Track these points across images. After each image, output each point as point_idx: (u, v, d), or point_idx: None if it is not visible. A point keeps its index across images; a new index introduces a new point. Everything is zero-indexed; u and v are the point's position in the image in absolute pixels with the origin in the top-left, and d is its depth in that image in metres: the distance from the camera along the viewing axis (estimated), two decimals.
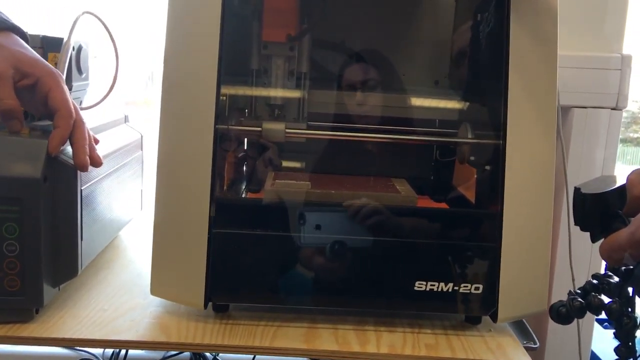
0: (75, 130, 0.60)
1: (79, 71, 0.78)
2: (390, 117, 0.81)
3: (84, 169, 0.60)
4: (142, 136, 0.90)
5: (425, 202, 0.76)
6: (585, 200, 0.49)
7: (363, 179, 0.78)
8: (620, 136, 1.18)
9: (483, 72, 0.75)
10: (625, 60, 1.11)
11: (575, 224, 0.52)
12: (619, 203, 0.48)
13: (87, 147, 0.61)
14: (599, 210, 0.49)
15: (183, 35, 0.64)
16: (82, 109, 0.79)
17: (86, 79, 0.80)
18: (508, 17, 0.66)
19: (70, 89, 0.75)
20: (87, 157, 0.61)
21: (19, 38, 0.63)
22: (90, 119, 0.72)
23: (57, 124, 0.60)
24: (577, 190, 0.51)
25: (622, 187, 0.48)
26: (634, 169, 0.49)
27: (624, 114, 1.15)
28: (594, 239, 0.50)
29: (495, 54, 0.67)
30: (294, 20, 0.74)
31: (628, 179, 0.48)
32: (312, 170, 0.81)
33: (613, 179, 0.51)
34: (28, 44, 0.64)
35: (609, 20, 1.11)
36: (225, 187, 0.74)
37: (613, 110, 1.14)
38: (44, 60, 0.62)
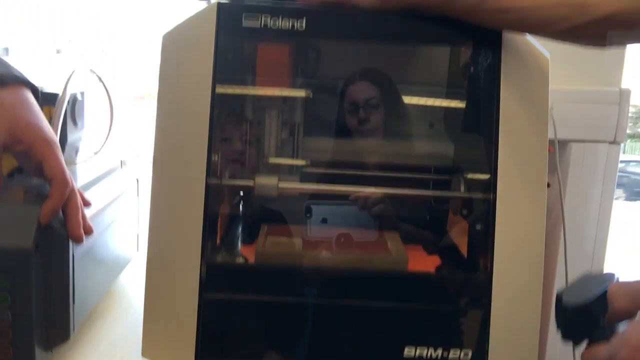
0: (68, 201, 0.61)
1: (74, 123, 0.78)
2: (384, 163, 0.82)
3: (79, 241, 0.61)
4: (138, 180, 0.91)
5: (417, 255, 0.76)
6: (566, 312, 0.49)
7: (355, 232, 0.78)
8: (629, 131, 1.18)
9: (474, 125, 0.75)
10: (624, 95, 1.11)
11: (558, 328, 0.52)
12: (601, 310, 0.48)
13: (80, 218, 0.61)
14: (580, 320, 0.49)
15: (176, 86, 0.65)
16: (75, 163, 0.79)
17: (81, 128, 0.81)
18: (499, 77, 0.66)
19: (65, 142, 0.76)
20: (82, 229, 0.61)
21: (26, 94, 0.63)
22: (86, 170, 0.72)
23: (51, 194, 0.60)
24: (558, 298, 0.51)
25: (604, 294, 0.48)
26: (615, 283, 0.49)
27: (632, 109, 1.14)
28: (576, 344, 0.51)
29: (486, 109, 0.67)
30: (287, 74, 0.75)
31: (609, 290, 0.48)
32: (306, 223, 0.81)
33: (598, 279, 0.51)
34: (39, 98, 0.65)
35: (608, 54, 1.11)
36: (218, 240, 0.75)
37: (611, 144, 1.14)
38: (42, 124, 0.62)
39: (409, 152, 0.84)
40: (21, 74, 0.65)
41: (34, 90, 0.65)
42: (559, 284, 1.13)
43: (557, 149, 1.07)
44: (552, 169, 1.10)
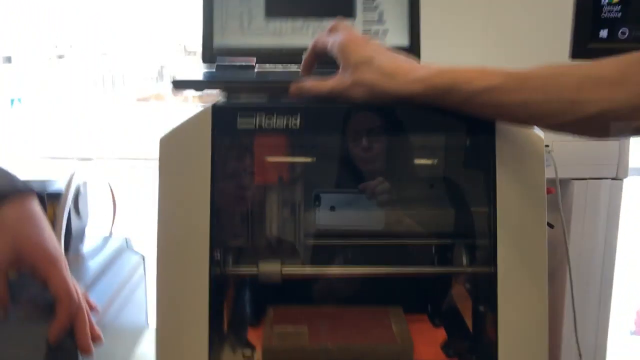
0: (76, 317, 0.62)
1: (78, 215, 0.79)
2: (387, 231, 0.82)
3: (88, 353, 0.62)
4: (144, 258, 0.92)
5: (423, 329, 0.77)
6: None
7: (359, 312, 0.78)
8: None
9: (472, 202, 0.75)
10: None
11: None
12: None
13: (88, 330, 0.63)
14: None
15: (175, 187, 0.66)
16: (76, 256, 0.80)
17: (86, 217, 0.82)
18: (494, 160, 0.66)
19: (70, 236, 0.77)
20: (90, 341, 0.62)
21: (30, 205, 0.64)
22: (91, 258, 0.73)
23: (57, 314, 0.61)
24: None
25: None
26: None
27: None
28: None
29: (483, 197, 0.68)
30: (285, 162, 0.75)
31: None
32: (311, 299, 0.81)
33: None
34: (44, 204, 0.66)
35: None
36: (225, 325, 0.76)
37: (613, 181, 1.14)
38: (46, 241, 0.63)
39: (411, 219, 0.85)
40: (24, 183, 0.66)
41: (39, 196, 0.66)
42: (567, 324, 1.14)
43: (559, 189, 1.08)
44: (555, 209, 1.10)
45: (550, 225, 1.07)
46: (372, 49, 0.65)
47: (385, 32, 0.88)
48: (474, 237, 0.74)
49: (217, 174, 0.67)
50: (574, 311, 1.09)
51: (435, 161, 0.75)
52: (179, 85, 0.70)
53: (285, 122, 0.66)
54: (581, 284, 1.13)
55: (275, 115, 0.66)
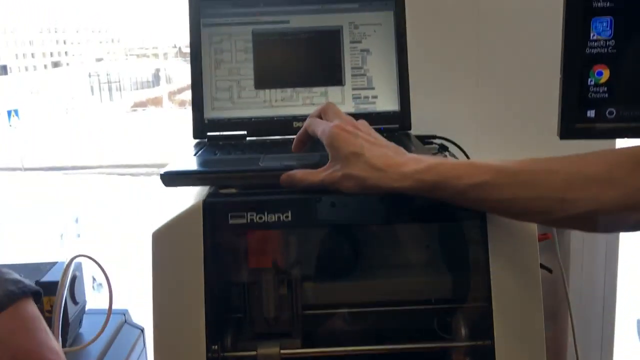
0: None
1: (74, 302, 0.79)
2: (385, 299, 0.82)
3: None
4: (143, 330, 0.92)
5: None
6: None
7: None
8: None
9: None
10: None
11: None
12: None
13: None
14: None
15: (169, 281, 0.67)
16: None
17: (83, 302, 0.82)
18: (486, 247, 0.67)
19: (67, 325, 0.77)
20: None
21: (25, 310, 0.64)
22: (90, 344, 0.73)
23: None
24: None
25: None
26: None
27: None
28: None
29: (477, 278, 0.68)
30: (279, 246, 0.75)
31: None
32: None
33: None
34: (41, 296, 0.66)
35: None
36: None
37: None
38: (42, 349, 0.63)
39: (408, 285, 0.84)
40: (18, 285, 0.66)
41: (37, 294, 0.66)
42: None
43: (555, 234, 1.08)
44: (553, 254, 1.10)
45: (548, 270, 1.07)
46: (362, 141, 0.65)
47: (374, 97, 0.88)
48: (471, 319, 0.75)
49: (209, 266, 0.67)
50: (576, 353, 1.10)
51: (429, 246, 0.74)
52: (169, 179, 0.69)
53: (276, 217, 0.66)
54: (583, 325, 1.13)
55: (266, 212, 0.66)
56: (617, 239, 1.13)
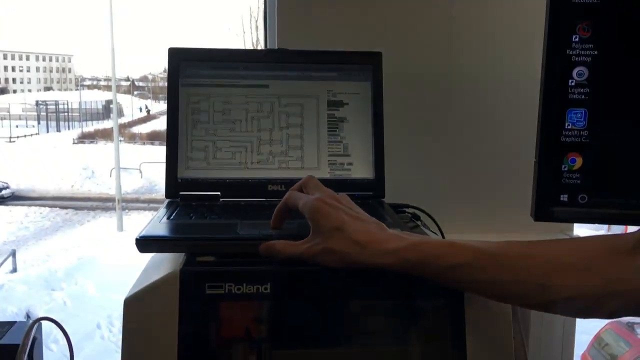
0: None
1: None
2: None
3: None
4: None
5: None
6: None
7: None
8: None
9: None
10: None
11: None
12: None
13: None
14: None
15: (140, 348, 0.65)
16: None
17: None
18: (463, 323, 0.67)
19: None
20: None
21: None
22: None
23: None
24: None
25: None
26: None
27: None
28: None
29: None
30: (252, 316, 0.74)
31: None
32: None
33: None
34: None
35: None
36: None
37: None
38: None
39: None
40: None
41: None
42: None
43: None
44: (515, 319, 1.13)
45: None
46: (344, 215, 0.65)
47: (350, 164, 0.90)
48: None
49: (183, 336, 0.65)
50: None
51: (406, 319, 0.74)
52: (144, 245, 0.68)
53: (255, 289, 0.65)
54: None
55: (244, 284, 0.65)
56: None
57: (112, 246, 10.36)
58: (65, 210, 13.78)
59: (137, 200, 14.96)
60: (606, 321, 4.52)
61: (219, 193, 0.87)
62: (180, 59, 0.88)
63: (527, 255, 0.60)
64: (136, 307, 0.66)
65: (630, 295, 0.56)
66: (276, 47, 1.06)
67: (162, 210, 0.81)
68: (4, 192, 14.36)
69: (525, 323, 1.12)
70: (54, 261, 9.41)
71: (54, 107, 28.37)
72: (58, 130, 26.50)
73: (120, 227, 11.92)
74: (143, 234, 0.69)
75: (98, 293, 7.96)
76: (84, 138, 24.64)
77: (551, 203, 0.69)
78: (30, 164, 17.18)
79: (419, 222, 0.89)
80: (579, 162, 0.68)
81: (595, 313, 0.59)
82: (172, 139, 0.87)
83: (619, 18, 0.66)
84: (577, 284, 0.57)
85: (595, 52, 0.66)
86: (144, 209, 13.96)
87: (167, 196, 0.86)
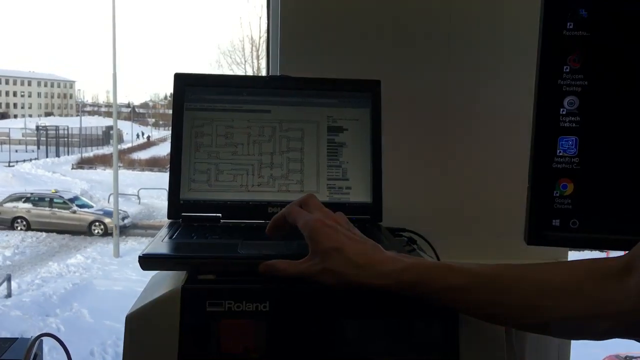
0: None
1: None
2: None
3: None
4: None
5: None
6: None
7: None
8: None
9: None
10: None
11: None
12: None
13: None
14: None
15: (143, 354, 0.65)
16: None
17: None
18: (457, 345, 0.68)
19: None
20: None
21: None
22: None
23: None
24: None
25: None
26: None
27: None
28: None
29: None
30: (251, 333, 0.75)
31: None
32: None
33: None
34: None
35: None
36: None
37: None
38: None
39: None
40: None
41: None
42: None
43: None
44: (509, 346, 1.13)
45: None
46: (342, 236, 0.67)
47: (348, 188, 0.92)
48: None
49: (183, 353, 0.66)
50: None
51: (402, 340, 0.76)
52: (147, 263, 0.69)
53: (254, 307, 0.67)
54: None
55: (244, 302, 0.66)
56: None
57: (108, 272, 10.31)
58: (62, 236, 13.73)
59: (135, 226, 14.92)
60: (605, 354, 4.50)
61: (220, 214, 0.89)
62: (185, 83, 0.91)
63: (520, 277, 0.62)
64: (138, 323, 0.67)
65: (620, 317, 0.58)
66: (278, 74, 1.09)
67: (165, 230, 0.82)
68: (125, 221, 14.40)
69: (520, 349, 1.13)
70: (49, 286, 9.35)
71: (54, 132, 28.51)
72: (57, 155, 26.59)
73: (117, 253, 11.86)
74: (146, 252, 0.71)
75: (92, 319, 7.88)
76: (83, 163, 24.72)
77: (543, 228, 0.71)
78: (27, 187, 17.18)
79: (415, 246, 0.90)
80: (570, 188, 0.70)
81: (587, 334, 0.61)
82: (175, 161, 0.89)
83: (607, 50, 0.69)
84: (568, 306, 0.59)
85: (585, 83, 0.69)
86: (142, 235, 13.92)
87: (169, 217, 0.88)
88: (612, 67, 0.69)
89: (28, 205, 14.67)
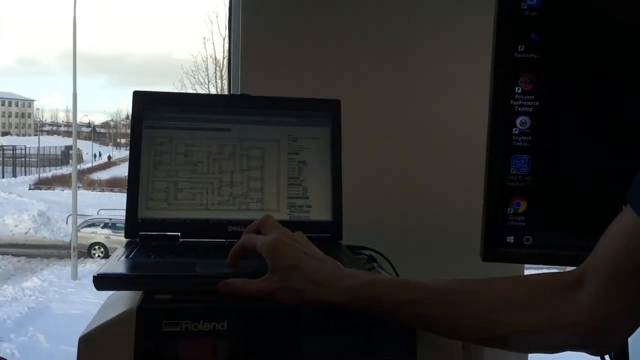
0: None
1: None
2: None
3: None
4: None
5: None
6: None
7: None
8: None
9: None
10: None
11: None
12: None
13: None
14: None
15: None
16: None
17: None
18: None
19: None
20: None
21: None
22: None
23: None
24: None
25: None
26: None
27: None
28: None
29: None
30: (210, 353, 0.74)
31: None
32: None
33: None
34: None
35: None
36: None
37: None
38: None
39: None
40: None
41: None
42: None
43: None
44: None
45: None
46: (301, 254, 0.67)
47: (309, 207, 0.92)
48: None
49: None
50: None
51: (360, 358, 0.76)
52: (102, 283, 0.68)
53: (212, 326, 0.66)
54: None
55: (201, 321, 0.65)
56: None
57: (65, 295, 10.02)
58: (17, 258, 13.31)
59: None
60: None
61: (178, 233, 0.88)
62: (144, 101, 0.90)
63: (475, 292, 0.63)
64: (91, 345, 0.66)
65: (574, 330, 0.59)
66: (239, 93, 1.09)
67: (121, 249, 0.81)
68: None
69: (479, 355, 1.14)
70: (3, 310, 9.03)
71: (11, 152, 27.80)
72: (14, 175, 25.88)
73: (75, 276, 11.55)
74: (101, 271, 0.69)
75: (48, 344, 7.63)
76: (41, 184, 24.12)
77: (498, 244, 0.72)
78: None
79: (375, 264, 0.91)
80: (523, 205, 0.71)
81: (542, 348, 0.62)
82: (133, 179, 0.88)
83: (557, 71, 0.72)
84: (522, 320, 0.60)
85: (537, 103, 0.71)
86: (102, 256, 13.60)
87: (126, 236, 0.87)
88: (561, 88, 0.72)
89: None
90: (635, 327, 0.61)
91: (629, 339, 0.69)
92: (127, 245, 0.84)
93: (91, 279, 0.68)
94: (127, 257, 0.77)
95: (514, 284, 0.63)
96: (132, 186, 0.88)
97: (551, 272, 0.63)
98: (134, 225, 0.87)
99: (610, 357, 0.82)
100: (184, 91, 10.17)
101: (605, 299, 0.58)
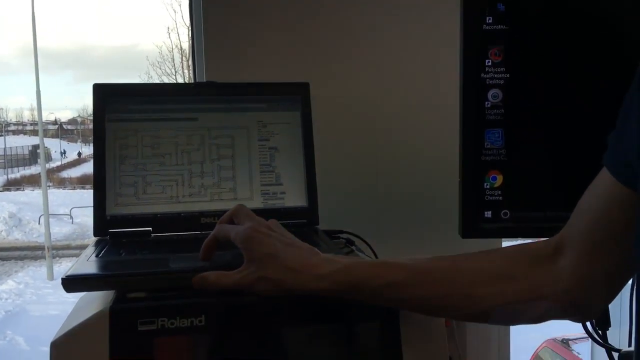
0: None
1: None
2: None
3: None
4: None
5: None
6: None
7: None
8: None
9: None
10: None
11: None
12: None
13: None
14: None
15: None
16: None
17: None
18: (399, 342, 0.68)
19: None
20: None
21: None
22: None
23: None
24: None
25: None
26: None
27: None
28: None
29: None
30: (189, 349, 0.72)
31: None
32: None
33: None
34: None
35: None
36: None
37: None
38: None
39: None
40: None
41: None
42: None
43: (454, 323, 1.12)
44: (451, 340, 1.15)
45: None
46: (276, 242, 0.65)
47: (283, 193, 0.90)
48: None
49: None
50: None
51: (345, 343, 0.75)
52: (71, 284, 0.65)
53: (189, 322, 0.64)
54: None
55: (178, 317, 0.63)
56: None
57: (42, 296, 9.87)
58: None
59: (68, 247, 14.36)
60: (543, 339, 4.65)
61: (150, 229, 0.85)
62: (106, 94, 0.87)
63: (453, 268, 0.62)
64: (64, 350, 0.63)
65: (554, 298, 0.59)
66: (205, 80, 1.06)
67: (90, 248, 0.78)
68: None
69: (462, 341, 1.14)
70: None
71: None
72: None
73: (51, 276, 11.37)
74: (69, 273, 0.67)
75: (29, 347, 7.52)
76: (10, 185, 23.61)
77: (476, 220, 0.72)
78: None
79: (354, 247, 0.90)
80: (499, 179, 0.71)
81: (525, 319, 0.62)
82: (99, 175, 0.85)
83: (527, 42, 0.71)
84: (502, 292, 0.59)
85: (508, 75, 0.70)
86: (76, 255, 13.39)
87: (95, 234, 0.84)
88: (532, 59, 0.71)
89: None
90: (615, 292, 0.61)
91: (610, 306, 0.69)
92: (97, 243, 0.81)
93: None
94: (97, 256, 0.74)
95: (493, 256, 0.62)
96: (99, 183, 0.85)
97: (528, 243, 0.62)
98: (102, 222, 0.84)
99: (592, 323, 0.82)
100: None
101: (584, 265, 0.58)
